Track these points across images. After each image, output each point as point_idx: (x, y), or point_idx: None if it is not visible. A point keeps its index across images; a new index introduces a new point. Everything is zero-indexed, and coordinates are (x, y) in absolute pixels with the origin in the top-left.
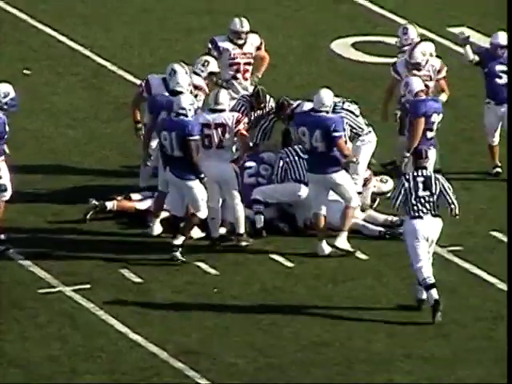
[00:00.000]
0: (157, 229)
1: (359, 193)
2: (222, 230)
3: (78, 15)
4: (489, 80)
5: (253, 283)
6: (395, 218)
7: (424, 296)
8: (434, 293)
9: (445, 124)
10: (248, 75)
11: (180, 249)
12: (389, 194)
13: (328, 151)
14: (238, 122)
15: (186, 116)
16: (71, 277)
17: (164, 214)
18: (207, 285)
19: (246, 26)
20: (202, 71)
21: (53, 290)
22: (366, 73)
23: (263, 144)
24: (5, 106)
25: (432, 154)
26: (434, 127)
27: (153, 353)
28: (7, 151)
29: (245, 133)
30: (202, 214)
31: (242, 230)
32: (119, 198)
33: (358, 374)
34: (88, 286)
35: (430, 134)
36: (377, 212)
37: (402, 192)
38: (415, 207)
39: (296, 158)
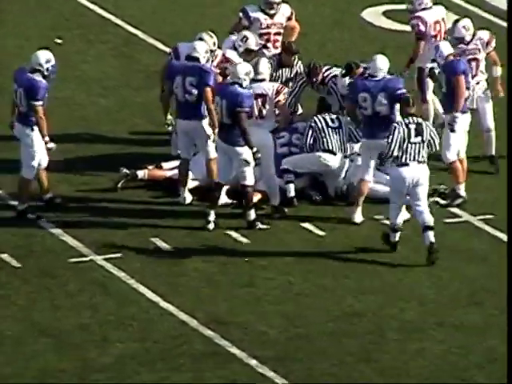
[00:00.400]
0: (188, 197)
1: None
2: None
3: None
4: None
5: (284, 252)
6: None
7: (397, 238)
8: (431, 235)
9: None
10: (278, 45)
11: (259, 220)
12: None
13: (390, 113)
14: (277, 92)
15: (241, 86)
16: (102, 246)
17: (194, 183)
18: (238, 253)
19: None
20: (240, 46)
21: (84, 258)
22: (396, 41)
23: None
24: (46, 72)
25: (467, 117)
26: (470, 87)
27: (183, 321)
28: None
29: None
30: (249, 180)
31: (276, 201)
32: (150, 166)
33: (390, 342)
34: (119, 254)
35: (466, 93)
36: None
37: (398, 139)
38: (405, 154)
39: (325, 127)
